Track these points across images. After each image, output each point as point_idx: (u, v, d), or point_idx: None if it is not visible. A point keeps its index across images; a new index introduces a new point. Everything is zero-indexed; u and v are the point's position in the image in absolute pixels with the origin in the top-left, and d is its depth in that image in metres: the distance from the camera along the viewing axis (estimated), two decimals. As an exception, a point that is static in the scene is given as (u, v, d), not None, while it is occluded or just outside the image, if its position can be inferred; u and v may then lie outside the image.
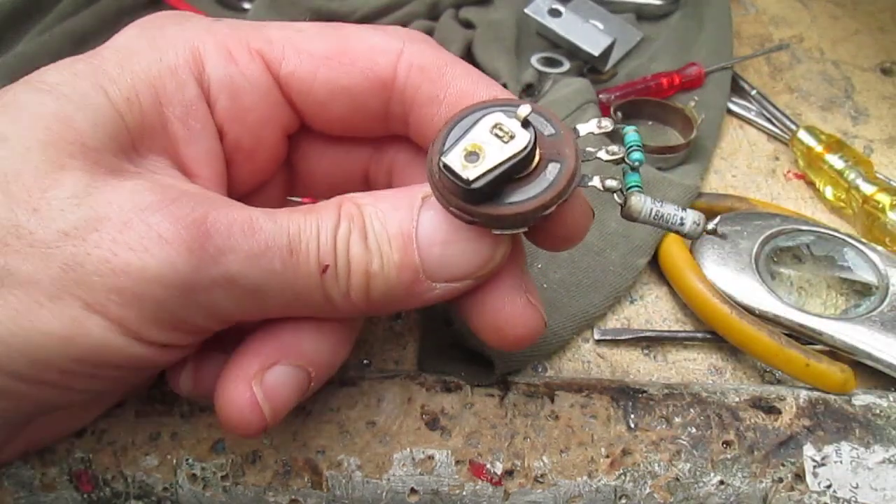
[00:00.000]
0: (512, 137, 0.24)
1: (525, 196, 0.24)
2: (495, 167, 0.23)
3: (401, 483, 0.32)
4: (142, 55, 0.27)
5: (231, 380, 0.27)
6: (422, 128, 0.29)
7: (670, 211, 0.27)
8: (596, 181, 0.26)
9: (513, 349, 0.29)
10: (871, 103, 0.54)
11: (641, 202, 0.27)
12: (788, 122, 0.51)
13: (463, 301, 0.28)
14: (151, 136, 0.27)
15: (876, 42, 0.58)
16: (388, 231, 0.26)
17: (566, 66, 0.53)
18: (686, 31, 0.57)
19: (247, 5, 0.59)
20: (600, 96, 0.50)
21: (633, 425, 0.33)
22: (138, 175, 0.25)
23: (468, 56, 0.54)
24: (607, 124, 0.26)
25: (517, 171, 0.24)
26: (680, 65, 0.53)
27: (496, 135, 0.24)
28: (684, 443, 0.33)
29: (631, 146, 0.27)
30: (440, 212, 0.26)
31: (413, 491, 0.32)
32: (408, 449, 0.33)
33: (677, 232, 0.27)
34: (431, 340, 0.38)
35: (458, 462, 0.32)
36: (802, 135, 0.49)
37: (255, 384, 0.27)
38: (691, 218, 0.27)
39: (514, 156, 0.23)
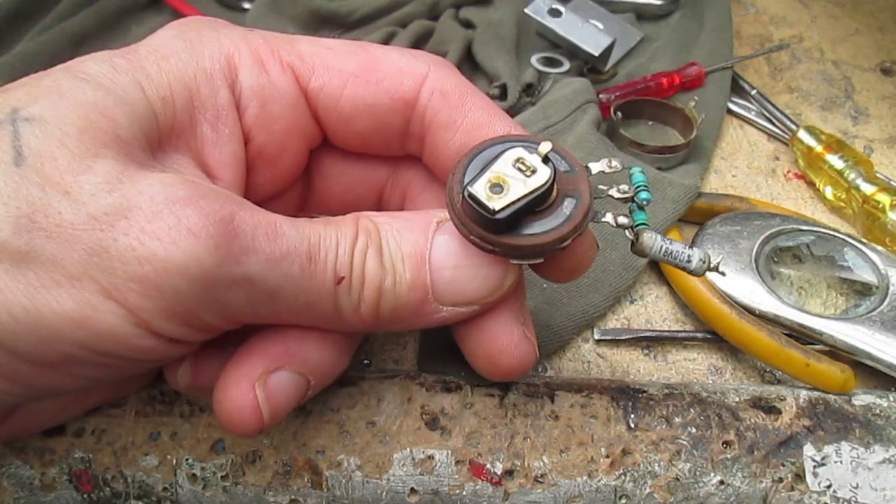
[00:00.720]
0: (534, 172, 0.25)
1: (543, 229, 0.26)
2: (519, 199, 0.25)
3: (401, 483, 0.32)
4: (179, 57, 0.28)
5: (234, 379, 0.27)
6: (436, 150, 0.30)
7: (678, 249, 0.29)
8: (609, 217, 0.28)
9: (501, 379, 0.30)
10: (871, 103, 0.54)
11: (652, 240, 0.28)
12: (788, 122, 0.51)
13: (460, 326, 0.29)
14: (179, 136, 0.28)
15: (876, 42, 0.58)
16: (403, 250, 0.27)
17: (566, 66, 0.53)
18: (686, 31, 0.57)
19: (247, 5, 0.59)
20: (600, 96, 0.50)
21: (633, 425, 0.33)
22: (165, 171, 0.26)
23: (468, 56, 0.54)
24: (617, 165, 0.28)
25: (537, 204, 0.25)
26: (680, 65, 0.53)
27: (519, 168, 0.25)
28: (684, 443, 0.33)
29: (639, 186, 0.28)
30: (454, 237, 0.27)
31: (413, 491, 0.32)
32: (408, 449, 0.33)
33: (684, 269, 0.29)
34: (431, 340, 0.38)
35: (458, 462, 0.32)
36: (802, 135, 0.49)
37: (259, 386, 0.27)
38: (697, 256, 0.29)
39: (536, 189, 0.25)
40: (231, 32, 0.30)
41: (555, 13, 0.53)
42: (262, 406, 0.27)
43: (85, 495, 0.32)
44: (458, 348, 0.36)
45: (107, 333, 0.24)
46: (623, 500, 0.32)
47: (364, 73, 0.30)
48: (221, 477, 0.32)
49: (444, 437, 0.33)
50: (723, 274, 0.30)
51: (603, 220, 0.28)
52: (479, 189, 0.25)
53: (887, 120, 0.53)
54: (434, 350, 0.37)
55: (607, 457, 0.33)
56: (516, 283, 0.28)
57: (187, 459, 0.32)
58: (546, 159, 0.25)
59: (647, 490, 0.32)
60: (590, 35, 0.52)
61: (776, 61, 0.57)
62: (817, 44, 0.58)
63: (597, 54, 0.52)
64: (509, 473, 0.32)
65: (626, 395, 0.34)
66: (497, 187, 0.25)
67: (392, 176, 0.34)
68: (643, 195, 0.28)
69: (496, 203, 0.24)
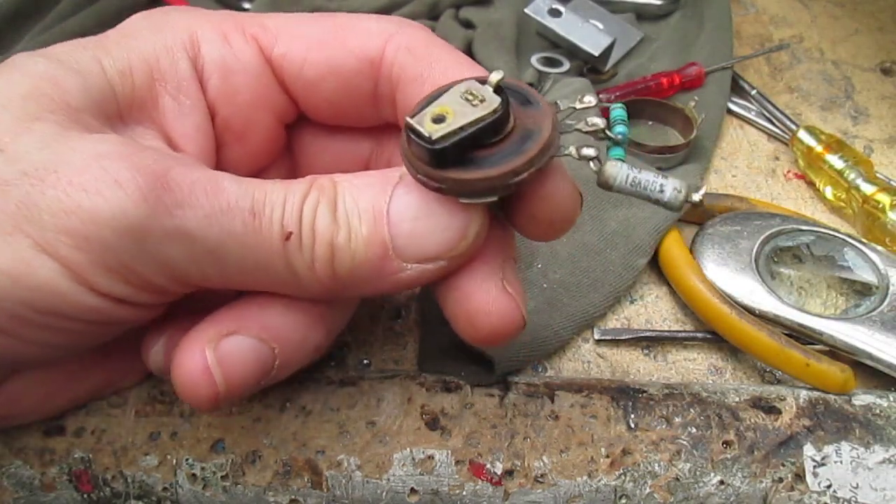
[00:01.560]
0: (482, 101, 0.23)
1: (495, 162, 0.23)
2: (461, 128, 0.23)
3: (401, 483, 0.32)
4: (142, 35, 0.28)
5: (186, 343, 0.26)
6: (406, 109, 0.29)
7: (649, 178, 0.25)
8: (572, 150, 0.25)
9: (489, 343, 0.28)
10: (871, 103, 0.54)
11: (616, 168, 0.25)
12: (788, 122, 0.51)
13: (439, 288, 0.28)
14: (141, 109, 0.28)
15: (876, 42, 0.58)
16: (359, 205, 0.26)
17: (566, 66, 0.53)
18: (686, 31, 0.57)
19: (247, 5, 0.59)
20: (600, 96, 0.50)
21: (633, 425, 0.33)
22: (112, 134, 0.26)
23: (468, 56, 0.54)
24: (590, 100, 0.26)
25: (487, 135, 0.23)
26: (680, 65, 0.53)
27: (466, 99, 0.23)
28: (684, 443, 0.33)
29: (616, 120, 0.26)
30: (415, 189, 0.25)
31: (413, 491, 0.32)
32: (408, 449, 0.33)
33: (657, 201, 0.25)
34: (431, 340, 0.38)
35: (458, 462, 0.32)
36: (802, 135, 0.49)
37: (209, 350, 0.26)
38: (671, 185, 0.25)
39: (483, 118, 0.23)
40: (199, 13, 0.30)
41: (555, 13, 0.53)
42: (213, 369, 0.26)
43: (85, 495, 0.32)
44: (458, 348, 0.36)
45: (46, 289, 0.23)
46: (623, 500, 0.32)
47: (328, 36, 0.29)
48: (221, 477, 0.32)
49: (444, 437, 0.33)
50: (700, 203, 0.26)
51: (566, 153, 0.25)
52: (420, 120, 0.23)
53: (887, 120, 0.53)
54: (434, 350, 0.37)
55: (607, 457, 0.33)
56: (482, 233, 0.26)
57: (187, 459, 0.32)
58: (500, 90, 0.23)
59: (647, 490, 0.32)
60: (590, 35, 0.52)
61: (776, 61, 0.57)
62: (817, 44, 0.58)
63: (597, 54, 0.52)
64: (509, 473, 0.32)
65: (626, 395, 0.34)
66: (439, 118, 0.23)
67: (376, 148, 0.33)
68: (618, 128, 0.26)
69: (435, 131, 0.23)
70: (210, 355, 0.26)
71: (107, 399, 0.34)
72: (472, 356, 0.36)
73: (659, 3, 0.58)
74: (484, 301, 0.27)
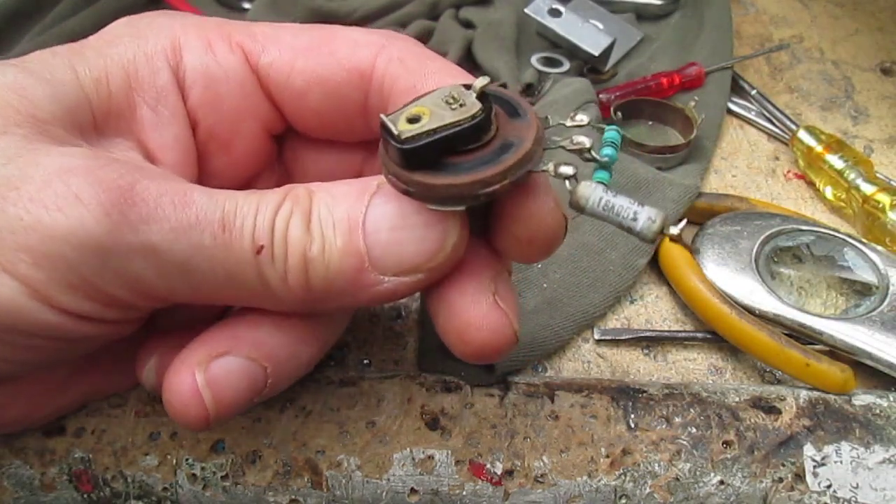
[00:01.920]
0: (461, 105, 0.23)
1: (473, 168, 0.23)
2: (434, 130, 0.22)
3: (401, 483, 0.32)
4: (122, 42, 0.28)
5: (176, 367, 0.26)
6: None
7: (624, 204, 0.24)
8: (549, 166, 0.24)
9: (480, 359, 0.27)
10: (871, 103, 0.54)
11: (591, 189, 0.24)
12: (788, 122, 0.51)
13: (430, 301, 0.27)
14: (118, 119, 0.27)
15: (876, 42, 0.58)
16: (334, 215, 0.25)
17: (566, 66, 0.53)
18: (686, 31, 0.57)
19: (247, 5, 0.59)
20: (600, 96, 0.50)
21: (633, 425, 0.33)
22: (81, 147, 0.25)
23: (468, 56, 0.54)
24: (583, 118, 0.25)
25: (464, 141, 0.23)
26: (680, 65, 0.53)
27: (447, 102, 0.23)
28: (684, 443, 0.33)
29: (606, 142, 0.25)
30: (392, 199, 0.25)
31: (413, 491, 0.32)
32: (408, 449, 0.33)
33: (629, 229, 0.24)
34: (431, 340, 0.38)
35: (458, 462, 0.32)
36: (802, 135, 0.49)
37: (199, 372, 0.26)
38: (645, 215, 0.23)
39: (458, 122, 0.22)
40: (183, 18, 0.29)
41: (555, 13, 0.53)
42: (203, 393, 0.25)
43: (85, 495, 0.32)
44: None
45: (5, 307, 0.23)
46: (623, 500, 0.32)
47: (316, 45, 0.28)
48: (221, 477, 0.32)
49: (444, 437, 0.33)
50: (677, 237, 0.24)
51: (543, 168, 0.24)
52: (395, 118, 0.22)
53: (887, 120, 0.53)
54: (434, 350, 0.37)
55: (607, 457, 0.33)
56: (461, 245, 0.25)
57: (187, 459, 0.32)
58: (486, 99, 0.23)
59: (647, 490, 0.32)
60: (590, 35, 0.52)
61: (776, 61, 0.57)
62: (817, 44, 0.58)
63: (597, 54, 0.52)
64: (509, 473, 0.32)
65: (626, 395, 0.34)
66: (414, 119, 0.22)
67: (368, 161, 0.32)
68: (606, 150, 0.24)
69: (406, 131, 0.22)
70: (200, 378, 0.25)
71: (107, 399, 0.34)
72: (472, 356, 0.36)
73: (659, 3, 0.58)
74: (474, 317, 0.26)
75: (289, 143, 0.32)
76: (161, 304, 0.26)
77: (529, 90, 0.51)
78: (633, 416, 0.34)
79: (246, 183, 0.32)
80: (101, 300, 0.24)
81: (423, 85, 0.27)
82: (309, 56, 0.28)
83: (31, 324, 0.24)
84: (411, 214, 0.24)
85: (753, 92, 0.54)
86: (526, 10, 0.54)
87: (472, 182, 0.22)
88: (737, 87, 0.54)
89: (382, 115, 0.22)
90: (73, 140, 0.25)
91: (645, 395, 0.34)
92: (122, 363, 0.31)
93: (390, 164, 0.23)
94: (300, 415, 0.33)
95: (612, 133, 0.25)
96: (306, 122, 0.30)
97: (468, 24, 0.56)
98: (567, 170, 0.24)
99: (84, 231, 0.23)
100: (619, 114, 0.48)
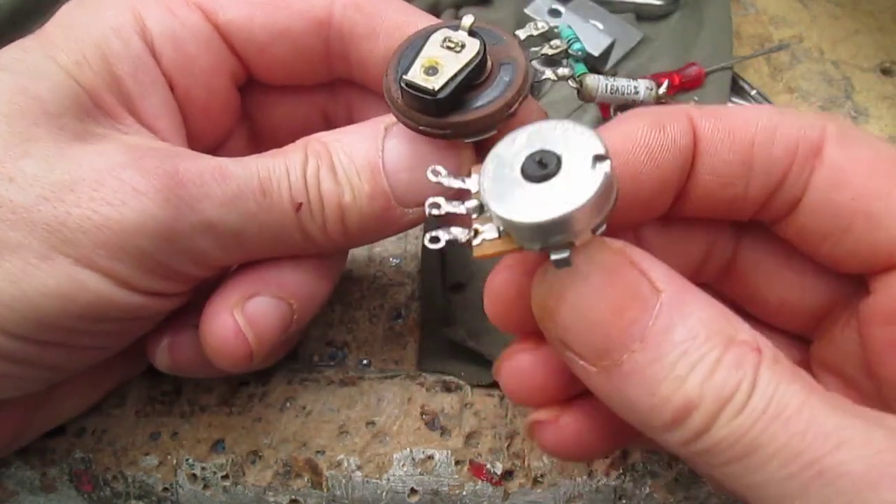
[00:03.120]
0: (463, 46, 0.25)
1: (488, 99, 0.25)
2: (455, 75, 0.24)
3: (401, 483, 0.32)
4: (84, 22, 0.28)
5: (213, 312, 0.28)
6: (362, 64, 0.30)
7: (623, 83, 0.29)
8: (549, 73, 0.28)
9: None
10: (871, 103, 0.54)
11: (596, 80, 0.28)
12: (788, 122, 0.51)
13: None
14: (109, 94, 0.28)
15: (876, 42, 0.59)
16: (356, 163, 0.27)
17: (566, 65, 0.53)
18: (686, 31, 0.57)
19: None
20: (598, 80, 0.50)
21: (632, 425, 0.33)
22: (104, 137, 0.26)
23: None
24: (544, 25, 0.28)
25: (474, 77, 0.25)
26: (680, 65, 0.53)
27: (448, 47, 0.25)
28: (684, 443, 0.33)
29: (570, 39, 0.28)
30: (404, 139, 0.27)
31: (413, 491, 0.32)
32: (408, 449, 0.33)
33: (633, 102, 0.28)
34: (431, 340, 0.38)
35: (458, 462, 0.32)
36: (802, 135, 0.49)
37: (237, 312, 0.28)
38: (644, 85, 0.29)
39: (470, 62, 0.25)
40: None
41: (555, 13, 0.53)
42: (244, 330, 0.27)
43: (85, 495, 0.32)
44: (457, 348, 0.36)
45: (97, 299, 0.24)
46: (623, 501, 0.32)
47: (271, 0, 0.29)
48: (222, 477, 0.32)
49: (444, 437, 0.33)
50: (664, 95, 0.29)
51: (544, 77, 0.28)
52: (415, 75, 0.24)
53: (887, 120, 0.53)
54: (434, 350, 0.37)
55: (607, 457, 0.33)
56: (473, 164, 0.27)
57: (187, 459, 0.32)
58: (473, 33, 0.25)
59: (647, 490, 0.32)
60: (590, 35, 0.52)
61: (776, 61, 0.57)
62: (817, 44, 0.58)
63: (597, 54, 0.52)
64: (509, 473, 0.32)
65: (626, 395, 0.34)
66: (431, 69, 0.25)
67: (332, 94, 0.33)
68: (576, 46, 0.28)
69: (434, 83, 0.24)
70: (240, 318, 0.27)
71: (107, 399, 0.34)
72: (472, 356, 0.36)
73: (659, 3, 0.58)
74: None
75: (249, 92, 0.33)
76: (219, 271, 0.28)
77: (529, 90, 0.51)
78: (632, 416, 0.34)
79: (223, 138, 0.33)
80: (174, 277, 0.26)
81: (382, 27, 0.29)
82: (267, 10, 0.29)
83: (121, 309, 0.25)
84: (426, 151, 0.27)
85: (753, 92, 0.54)
86: (526, 10, 0.54)
87: (501, 108, 0.25)
88: (737, 88, 0.54)
89: (406, 77, 0.24)
90: (88, 128, 0.26)
91: (645, 395, 0.34)
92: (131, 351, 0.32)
93: (416, 115, 0.25)
94: (300, 415, 0.33)
95: (568, 31, 0.28)
96: (269, 72, 0.31)
97: (468, 24, 0.56)
98: (566, 71, 0.28)
99: (152, 220, 0.24)
100: (619, 114, 0.48)
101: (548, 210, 0.19)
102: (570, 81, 0.28)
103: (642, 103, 0.28)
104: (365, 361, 0.39)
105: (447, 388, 0.34)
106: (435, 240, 0.22)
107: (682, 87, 0.52)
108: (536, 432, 0.26)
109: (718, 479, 0.20)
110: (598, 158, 0.19)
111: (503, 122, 0.25)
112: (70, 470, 0.32)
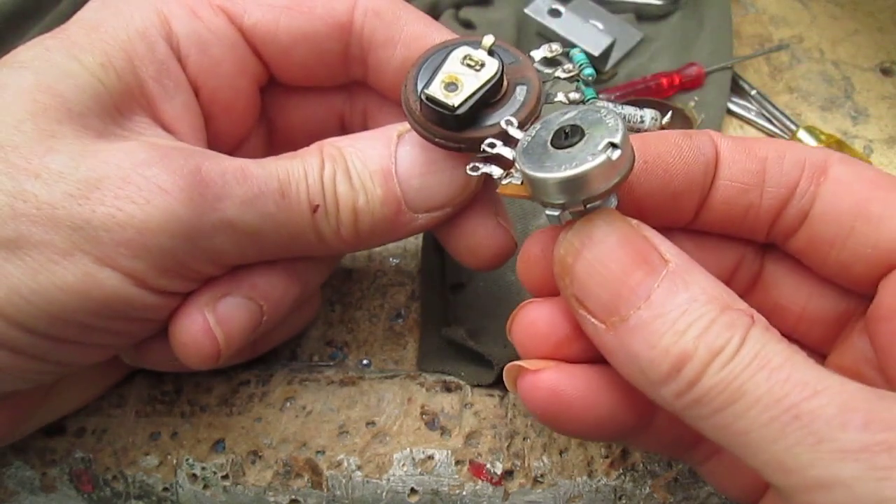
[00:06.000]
0: (483, 65, 0.26)
1: (503, 117, 0.26)
2: (474, 93, 0.26)
3: (401, 483, 0.32)
4: (108, 23, 0.28)
5: (185, 311, 0.28)
6: (379, 70, 0.31)
7: (630, 112, 0.30)
8: (560, 96, 0.28)
9: (487, 268, 0.31)
10: (871, 103, 0.54)
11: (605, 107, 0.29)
12: (788, 122, 0.51)
13: (442, 231, 0.31)
14: (131, 97, 0.28)
15: (876, 42, 0.58)
16: (370, 168, 0.28)
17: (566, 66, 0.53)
18: (686, 31, 0.57)
19: None
20: (600, 96, 0.50)
21: (632, 425, 0.33)
22: (126, 137, 0.27)
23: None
24: (557, 48, 0.29)
25: (491, 96, 0.26)
26: (680, 65, 0.53)
27: (468, 65, 0.26)
28: (684, 443, 0.33)
29: (581, 64, 0.29)
30: (416, 146, 0.28)
31: (413, 491, 0.32)
32: (408, 449, 0.33)
33: (638, 130, 0.29)
34: (431, 340, 0.38)
35: (458, 462, 0.32)
36: (802, 135, 0.49)
37: (208, 312, 0.28)
38: (649, 115, 0.31)
39: (488, 81, 0.26)
40: None
41: (555, 13, 0.53)
42: (214, 329, 0.28)
43: (85, 495, 0.32)
44: (457, 348, 0.36)
45: (112, 298, 0.25)
46: (623, 501, 0.32)
47: (295, 4, 0.30)
48: (222, 477, 0.32)
49: (444, 437, 0.33)
50: (667, 125, 0.30)
51: (556, 99, 0.28)
52: (436, 90, 0.25)
53: (887, 120, 0.53)
54: (434, 350, 0.37)
55: (607, 457, 0.33)
56: (481, 181, 0.29)
57: (187, 459, 0.32)
58: (491, 52, 0.26)
59: (647, 490, 0.32)
60: (590, 35, 0.52)
61: (776, 61, 0.57)
62: (817, 44, 0.58)
63: (597, 54, 0.52)
64: (509, 473, 0.32)
65: (626, 395, 0.34)
66: (451, 86, 0.26)
67: (349, 99, 0.34)
68: (587, 71, 0.29)
69: (454, 99, 0.25)
70: (210, 317, 0.28)
71: (107, 399, 0.34)
72: (472, 356, 0.36)
73: (659, 3, 0.58)
74: (484, 236, 0.30)
75: (270, 93, 0.33)
76: (230, 268, 0.28)
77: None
78: (632, 416, 0.34)
79: (244, 138, 0.33)
80: (188, 276, 0.27)
81: (401, 36, 0.30)
82: (290, 14, 0.30)
83: (137, 309, 0.26)
84: (438, 159, 0.28)
85: (753, 92, 0.54)
86: (526, 11, 0.54)
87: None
88: (737, 88, 0.54)
89: (426, 91, 0.26)
90: (109, 128, 0.26)
91: (645, 395, 0.34)
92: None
93: (435, 129, 0.26)
94: (300, 415, 0.33)
95: (579, 56, 0.29)
96: (290, 74, 0.32)
97: (468, 25, 0.56)
98: (577, 95, 0.28)
99: (176, 219, 0.24)
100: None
101: (546, 171, 0.22)
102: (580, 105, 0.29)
103: (647, 132, 0.29)
104: (365, 361, 0.39)
105: (447, 388, 0.34)
106: (475, 168, 0.26)
107: (682, 87, 0.52)
108: (518, 377, 0.26)
109: (710, 434, 0.21)
110: (611, 145, 0.22)
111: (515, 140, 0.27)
112: (70, 470, 0.32)
